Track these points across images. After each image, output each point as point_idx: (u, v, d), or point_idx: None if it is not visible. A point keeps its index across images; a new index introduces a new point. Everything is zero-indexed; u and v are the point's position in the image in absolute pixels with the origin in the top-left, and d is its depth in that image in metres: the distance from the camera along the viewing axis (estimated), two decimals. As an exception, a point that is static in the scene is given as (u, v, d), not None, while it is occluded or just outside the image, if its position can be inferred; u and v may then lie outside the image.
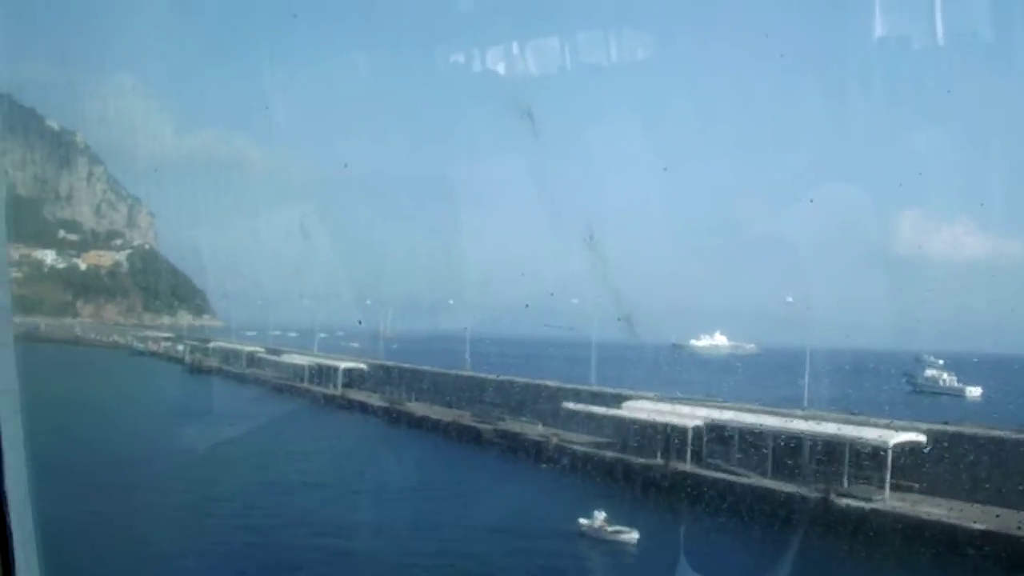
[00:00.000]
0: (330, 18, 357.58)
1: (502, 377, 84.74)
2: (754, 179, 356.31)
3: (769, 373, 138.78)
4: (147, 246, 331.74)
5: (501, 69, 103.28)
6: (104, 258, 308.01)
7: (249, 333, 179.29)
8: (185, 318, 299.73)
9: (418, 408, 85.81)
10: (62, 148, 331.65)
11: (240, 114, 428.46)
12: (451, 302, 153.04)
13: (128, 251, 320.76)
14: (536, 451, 65.67)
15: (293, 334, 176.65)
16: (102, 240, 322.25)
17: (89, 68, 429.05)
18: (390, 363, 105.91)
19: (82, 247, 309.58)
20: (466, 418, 78.12)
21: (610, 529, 43.66)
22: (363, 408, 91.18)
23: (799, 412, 60.35)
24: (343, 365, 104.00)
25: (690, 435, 57.60)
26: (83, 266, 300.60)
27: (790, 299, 77.70)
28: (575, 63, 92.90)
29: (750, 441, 56.31)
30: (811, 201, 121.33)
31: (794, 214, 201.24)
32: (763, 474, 53.17)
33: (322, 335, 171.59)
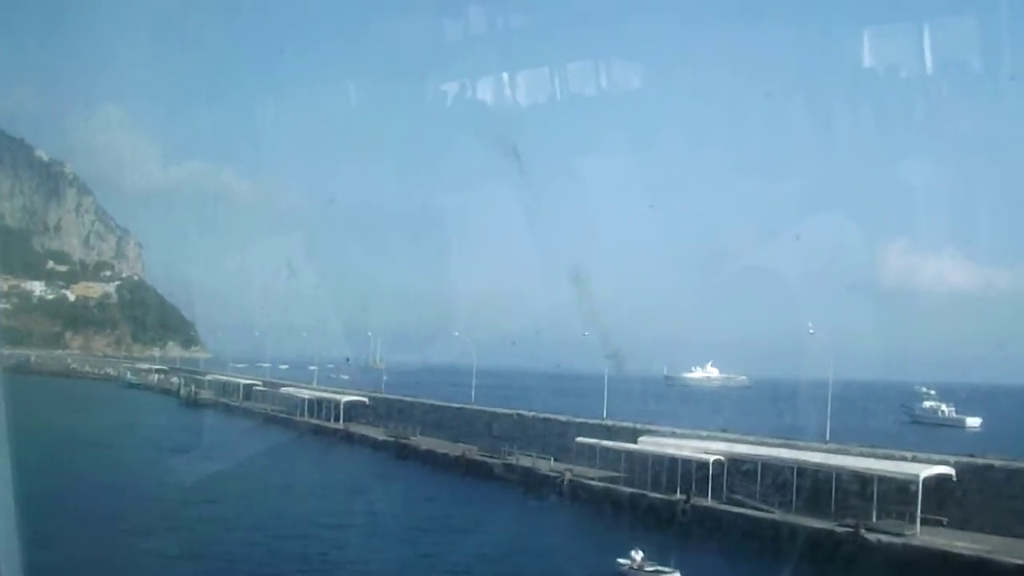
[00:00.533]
0: (317, 52, 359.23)
1: (509, 411, 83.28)
2: (743, 211, 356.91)
3: (764, 404, 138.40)
4: (136, 277, 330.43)
5: (489, 103, 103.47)
6: (93, 289, 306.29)
7: (239, 365, 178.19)
8: (174, 350, 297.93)
9: (423, 442, 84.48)
10: (51, 179, 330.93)
11: (229, 147, 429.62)
12: (456, 334, 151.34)
13: (117, 282, 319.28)
14: (550, 486, 64.32)
15: (283, 366, 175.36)
16: (91, 271, 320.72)
17: (78, 99, 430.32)
18: (392, 396, 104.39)
19: (71, 278, 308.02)
20: (474, 452, 76.68)
21: (649, 569, 42.31)
22: (367, 442, 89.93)
23: (819, 445, 59.22)
24: (344, 398, 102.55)
25: (711, 469, 56.42)
26: (72, 297, 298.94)
27: (812, 330, 76.08)
28: (563, 96, 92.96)
29: (772, 475, 55.18)
30: (797, 238, 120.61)
31: (783, 246, 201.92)
32: (788, 509, 52.04)
33: (312, 367, 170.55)
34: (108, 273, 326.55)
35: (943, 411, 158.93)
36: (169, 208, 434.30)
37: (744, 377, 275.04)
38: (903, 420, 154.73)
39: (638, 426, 69.11)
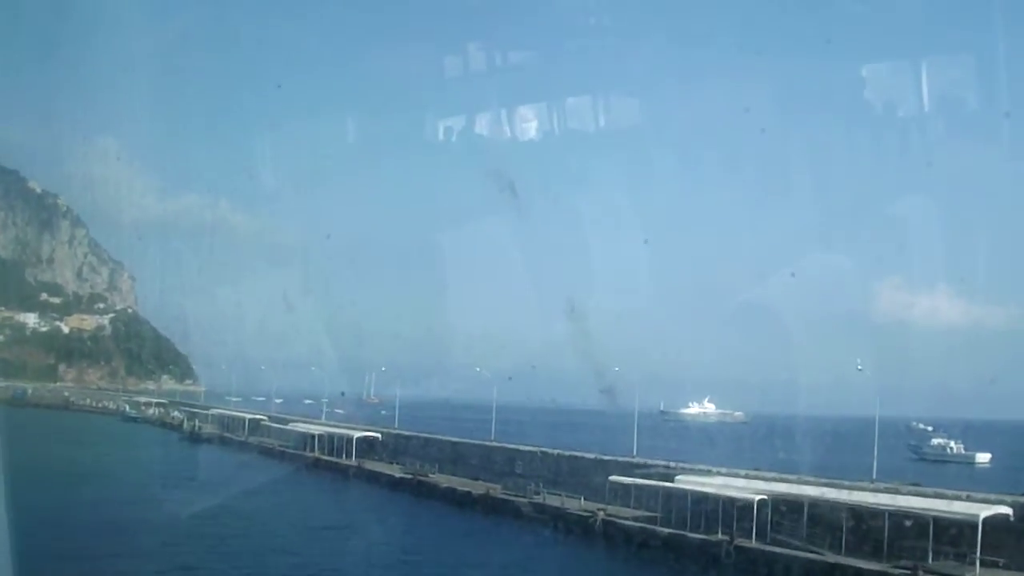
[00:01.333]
0: (315, 87, 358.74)
1: (532, 448, 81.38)
2: (739, 247, 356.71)
3: (764, 440, 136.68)
4: (130, 310, 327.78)
5: (486, 137, 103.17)
6: (87, 322, 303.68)
7: (234, 399, 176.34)
8: (168, 383, 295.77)
9: (443, 480, 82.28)
10: (44, 211, 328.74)
11: (224, 180, 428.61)
12: (476, 369, 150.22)
13: (111, 315, 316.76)
14: (582, 527, 62.53)
15: (278, 400, 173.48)
16: (85, 303, 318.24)
17: (73, 131, 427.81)
18: (406, 432, 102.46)
19: (65, 310, 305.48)
20: (498, 491, 74.58)
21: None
22: (383, 480, 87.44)
23: (866, 484, 57.58)
24: (356, 434, 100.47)
25: (755, 509, 54.67)
26: (66, 329, 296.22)
27: (860, 367, 74.69)
28: (559, 131, 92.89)
29: (819, 515, 53.53)
30: (792, 275, 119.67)
31: (778, 282, 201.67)
32: (838, 550, 50.38)
33: (307, 401, 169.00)
34: (102, 305, 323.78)
35: (952, 448, 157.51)
36: (163, 241, 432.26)
37: (741, 413, 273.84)
38: (910, 457, 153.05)
39: (671, 464, 67.35)
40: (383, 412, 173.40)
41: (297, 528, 62.04)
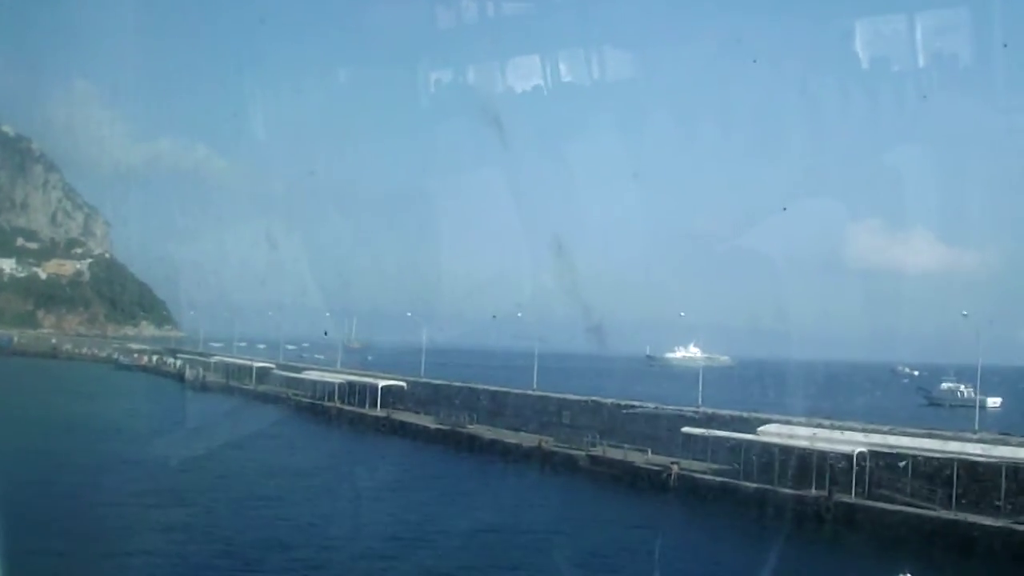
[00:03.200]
0: (298, 29, 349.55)
1: (582, 397, 77.93)
2: (723, 193, 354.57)
3: (759, 385, 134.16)
4: (107, 255, 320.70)
5: (471, 80, 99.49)
6: (65, 267, 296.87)
7: (215, 344, 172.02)
8: (147, 328, 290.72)
9: (484, 431, 78.77)
10: (17, 155, 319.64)
11: (204, 124, 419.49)
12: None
13: (89, 260, 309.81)
14: (654, 482, 59.35)
15: (261, 346, 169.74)
16: (61, 249, 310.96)
17: (47, 74, 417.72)
18: (435, 381, 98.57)
19: (41, 256, 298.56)
20: (550, 443, 71.27)
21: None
22: (417, 432, 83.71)
23: (969, 436, 54.72)
24: (381, 383, 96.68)
25: (854, 462, 51.60)
26: (43, 275, 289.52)
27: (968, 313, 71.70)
28: (548, 74, 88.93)
29: (923, 468, 50.65)
30: (784, 209, 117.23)
31: (763, 228, 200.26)
32: (948, 505, 47.52)
33: (289, 346, 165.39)
34: (79, 251, 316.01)
35: (962, 392, 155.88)
36: (139, 186, 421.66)
37: (727, 357, 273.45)
38: (920, 402, 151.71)
39: (744, 415, 64.12)
40: (369, 358, 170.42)
41: (359, 493, 57.24)
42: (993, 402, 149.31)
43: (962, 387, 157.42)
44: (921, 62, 71.51)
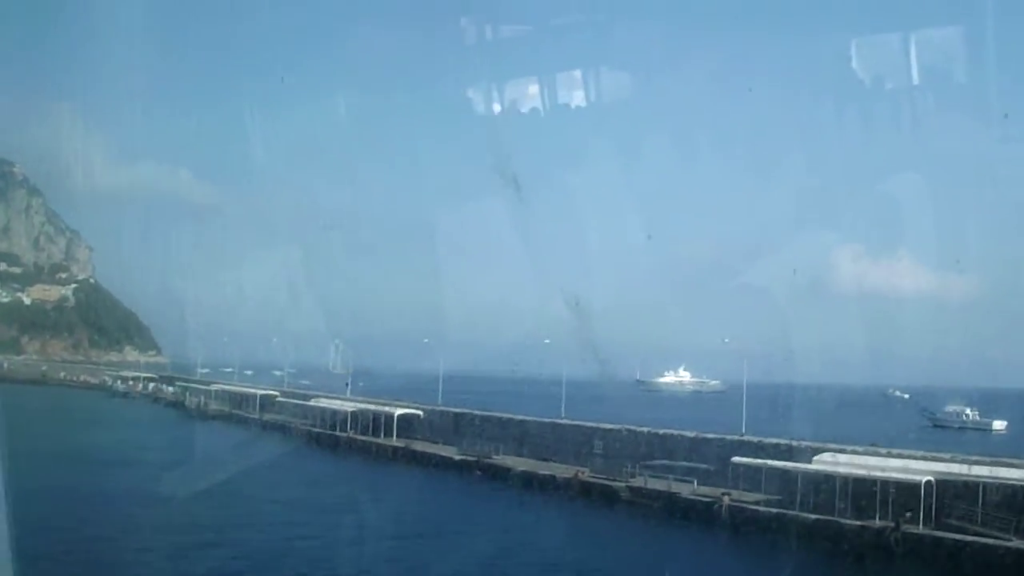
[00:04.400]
0: (285, 54, 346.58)
1: (615, 426, 75.51)
2: (712, 219, 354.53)
3: (758, 409, 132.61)
4: (91, 280, 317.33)
5: (471, 105, 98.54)
6: (50, 292, 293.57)
7: (203, 370, 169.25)
8: (131, 354, 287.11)
9: (513, 463, 76.35)
10: (0, 179, 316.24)
11: (185, 150, 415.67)
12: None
13: (73, 285, 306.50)
14: (703, 514, 57.33)
15: (248, 372, 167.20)
16: (45, 274, 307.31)
17: (29, 97, 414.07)
18: (454, 409, 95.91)
19: (25, 281, 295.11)
20: (586, 474, 69.17)
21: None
22: (440, 463, 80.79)
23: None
24: (397, 411, 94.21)
25: (922, 492, 49.89)
26: (28, 300, 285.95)
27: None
28: (554, 106, 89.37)
29: (992, 497, 49.03)
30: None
31: (752, 251, 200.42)
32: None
33: (277, 372, 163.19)
34: (63, 275, 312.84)
35: (967, 415, 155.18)
36: (124, 210, 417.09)
37: (717, 381, 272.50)
38: (925, 424, 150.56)
39: (793, 443, 62.10)
40: (360, 384, 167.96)
41: (398, 532, 54.86)
42: (999, 425, 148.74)
43: (967, 410, 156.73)
44: (916, 84, 71.75)
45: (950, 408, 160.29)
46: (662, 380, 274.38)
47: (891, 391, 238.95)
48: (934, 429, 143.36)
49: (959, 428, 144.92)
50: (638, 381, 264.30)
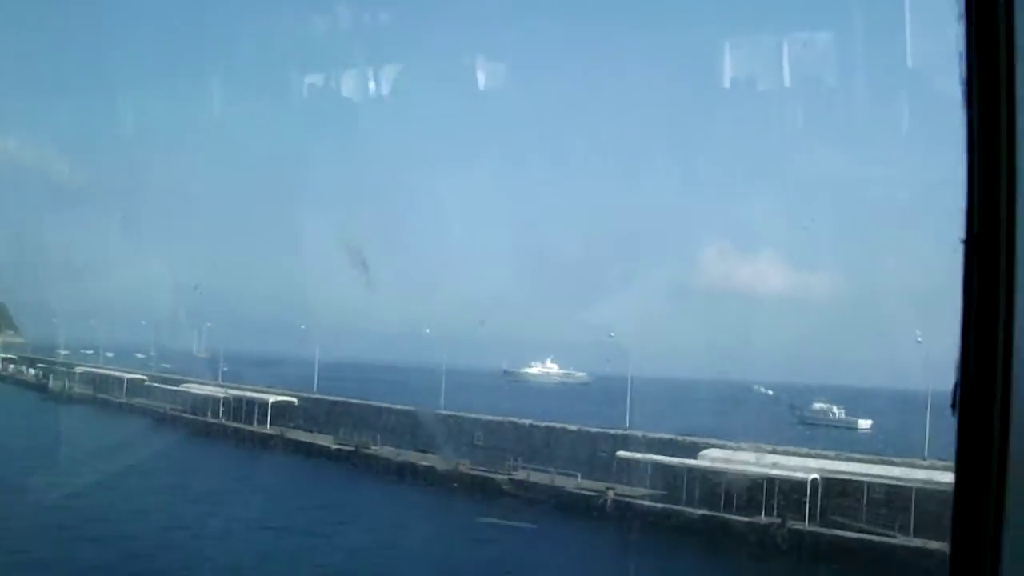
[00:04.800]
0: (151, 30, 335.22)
1: (499, 418, 74.21)
2: (574, 213, 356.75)
3: (626, 401, 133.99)
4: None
5: (339, 89, 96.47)
6: None
7: (63, 352, 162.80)
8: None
9: (391, 453, 74.42)
10: None
11: (49, 122, 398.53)
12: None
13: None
14: (588, 508, 56.57)
15: (109, 354, 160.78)
16: None
17: None
18: (330, 397, 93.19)
19: None
20: (468, 466, 67.76)
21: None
22: (315, 452, 78.54)
23: (920, 462, 53.62)
24: (272, 398, 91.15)
25: (808, 489, 49.91)
26: None
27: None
28: (420, 100, 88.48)
29: (877, 496, 49.35)
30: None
31: (618, 246, 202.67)
32: (907, 532, 46.21)
33: (139, 355, 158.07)
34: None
35: (834, 412, 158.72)
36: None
37: (584, 373, 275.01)
38: (792, 421, 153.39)
39: (677, 438, 61.73)
40: (225, 369, 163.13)
41: (268, 526, 52.79)
42: (864, 423, 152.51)
43: (834, 408, 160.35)
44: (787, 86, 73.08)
45: (817, 406, 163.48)
46: (529, 371, 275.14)
47: (756, 387, 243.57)
48: (803, 426, 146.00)
49: (827, 426, 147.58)
50: (505, 371, 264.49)
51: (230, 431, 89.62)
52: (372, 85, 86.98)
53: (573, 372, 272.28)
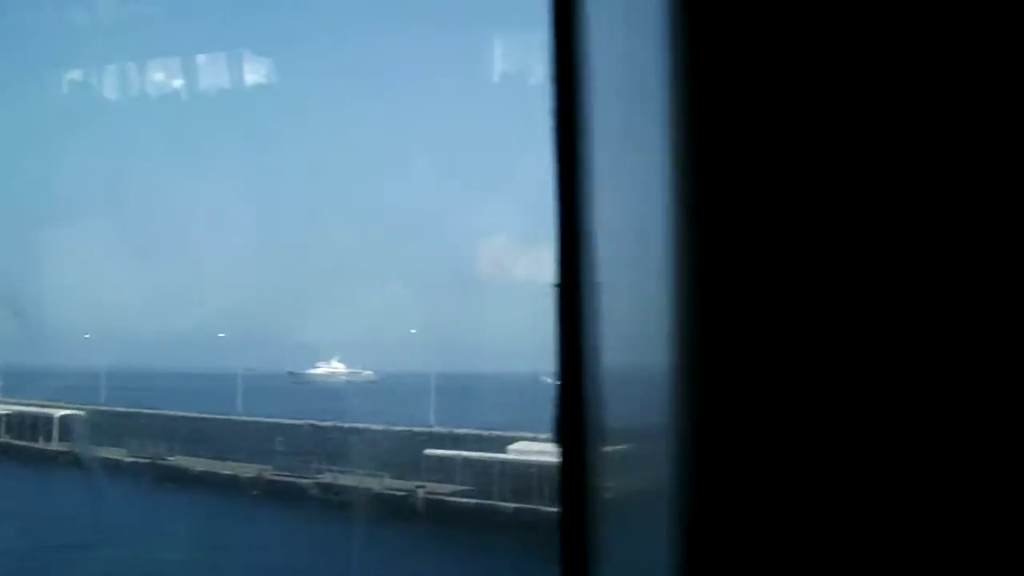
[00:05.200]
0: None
1: (298, 422, 72.49)
2: (362, 214, 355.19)
3: (410, 399, 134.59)
4: None
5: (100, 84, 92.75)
6: None
7: None
8: None
9: (189, 463, 71.50)
10: None
11: None
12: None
13: None
14: (399, 508, 55.87)
15: None
16: None
17: None
18: (119, 409, 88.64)
19: None
20: (270, 472, 65.80)
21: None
22: (110, 467, 74.63)
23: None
24: (59, 412, 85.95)
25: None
26: None
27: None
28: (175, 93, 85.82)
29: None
30: None
31: (387, 244, 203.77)
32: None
33: None
34: None
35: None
36: None
37: (370, 372, 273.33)
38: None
39: (484, 433, 61.73)
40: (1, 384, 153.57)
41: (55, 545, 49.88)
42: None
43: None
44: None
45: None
46: (315, 372, 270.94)
47: (542, 378, 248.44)
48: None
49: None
50: (290, 373, 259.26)
51: (15, 449, 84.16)
52: (120, 82, 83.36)
53: (360, 371, 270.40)
